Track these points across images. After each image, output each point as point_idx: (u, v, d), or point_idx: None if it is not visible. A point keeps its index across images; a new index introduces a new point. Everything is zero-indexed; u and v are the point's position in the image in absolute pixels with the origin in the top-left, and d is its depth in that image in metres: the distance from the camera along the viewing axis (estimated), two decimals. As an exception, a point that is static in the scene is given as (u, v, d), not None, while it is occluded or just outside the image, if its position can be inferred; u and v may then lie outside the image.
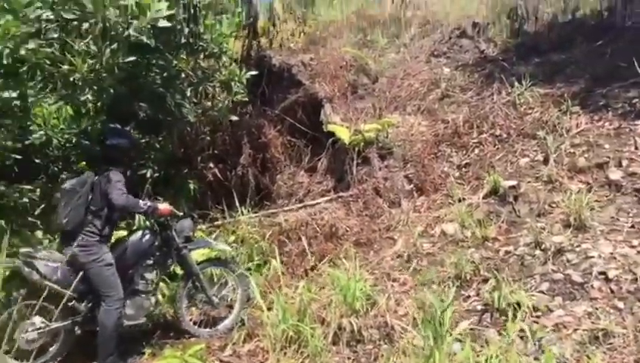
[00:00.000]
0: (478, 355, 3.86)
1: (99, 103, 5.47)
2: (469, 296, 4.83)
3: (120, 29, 4.40)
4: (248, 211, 6.43)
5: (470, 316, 4.51)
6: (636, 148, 5.65)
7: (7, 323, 3.85)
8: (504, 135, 6.81)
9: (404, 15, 10.79)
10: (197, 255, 5.31)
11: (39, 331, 4.38)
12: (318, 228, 6.26)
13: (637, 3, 7.94)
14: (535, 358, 3.80)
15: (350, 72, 8.86)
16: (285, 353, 4.37)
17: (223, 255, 5.53)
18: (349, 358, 4.33)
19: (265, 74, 7.94)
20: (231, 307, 5.27)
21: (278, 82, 8.21)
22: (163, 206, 4.88)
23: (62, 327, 4.50)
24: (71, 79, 4.58)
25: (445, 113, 7.72)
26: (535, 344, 3.98)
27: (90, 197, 4.55)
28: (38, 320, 4.37)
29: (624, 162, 5.52)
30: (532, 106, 6.97)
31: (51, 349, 4.49)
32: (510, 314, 4.28)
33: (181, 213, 5.41)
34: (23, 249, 4.48)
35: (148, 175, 6.28)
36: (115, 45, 4.52)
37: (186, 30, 5.66)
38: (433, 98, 8.22)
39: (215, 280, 5.43)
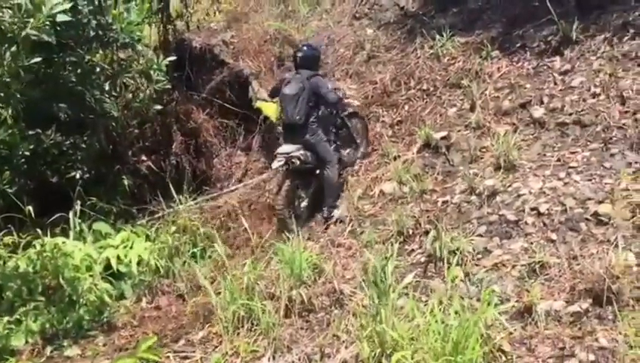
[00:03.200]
0: (425, 305, 3.93)
1: (12, 111, 5.22)
2: (412, 250, 4.92)
3: (17, 30, 4.17)
4: (186, 199, 6.32)
5: (414, 269, 4.60)
6: (555, 84, 5.81)
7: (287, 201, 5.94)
8: (431, 88, 6.89)
9: (323, -19, 10.68)
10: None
11: (307, 199, 6.26)
12: (259, 206, 6.24)
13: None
14: (478, 299, 3.90)
15: (275, 46, 8.76)
16: (238, 333, 4.36)
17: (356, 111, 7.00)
18: (302, 328, 4.35)
19: (187, 58, 7.76)
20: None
21: (201, 65, 8.02)
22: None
23: (312, 192, 6.26)
24: (-27, 88, 4.35)
25: (373, 74, 7.73)
26: (477, 285, 4.09)
27: (308, 97, 5.99)
28: (302, 192, 6.24)
29: (545, 99, 5.67)
30: (455, 56, 7.05)
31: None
32: (452, 261, 4.38)
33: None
34: (279, 150, 6.07)
35: (78, 176, 6.09)
36: (15, 48, 4.29)
37: (93, 23, 5.44)
38: (360, 61, 8.20)
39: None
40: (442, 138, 5.99)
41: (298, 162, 5.97)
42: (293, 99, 5.96)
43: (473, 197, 5.09)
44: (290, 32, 9.06)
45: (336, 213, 5.98)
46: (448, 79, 6.80)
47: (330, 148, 6.24)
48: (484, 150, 5.60)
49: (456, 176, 5.54)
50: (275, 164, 6.06)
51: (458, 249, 4.45)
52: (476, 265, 4.37)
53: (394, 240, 4.93)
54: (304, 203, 6.24)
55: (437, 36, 7.29)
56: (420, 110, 6.71)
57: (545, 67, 6.04)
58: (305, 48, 6.45)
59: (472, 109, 6.13)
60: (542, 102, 5.67)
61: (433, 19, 8.15)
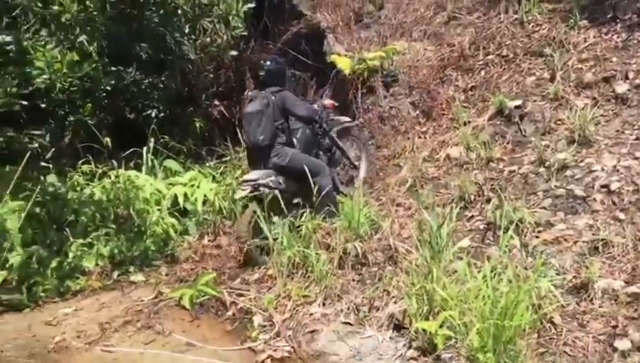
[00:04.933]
0: (479, 271, 3.92)
1: (97, 46, 5.46)
2: (472, 216, 4.88)
3: (106, -35, 4.33)
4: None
5: (472, 235, 4.57)
6: (644, 59, 5.50)
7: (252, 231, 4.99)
8: (511, 55, 6.64)
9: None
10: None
11: (281, 227, 5.06)
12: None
13: None
14: (534, 270, 3.84)
15: (355, 1, 8.66)
16: (292, 278, 4.51)
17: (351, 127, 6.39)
18: (353, 280, 4.44)
19: (266, 7, 7.79)
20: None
21: (279, 15, 8.04)
22: (329, 102, 6.14)
23: (289, 220, 5.10)
24: (62, 19, 4.55)
25: (452, 37, 7.51)
26: (534, 257, 4.02)
27: (273, 115, 5.26)
28: (277, 219, 5.13)
29: (630, 75, 5.38)
30: (540, 23, 6.75)
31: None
32: (512, 231, 4.32)
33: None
34: (244, 178, 5.25)
35: (153, 115, 6.35)
36: (102, -18, 4.46)
37: (180, -36, 5.56)
38: (440, 22, 7.99)
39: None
40: (517, 107, 5.81)
41: (267, 191, 5.11)
42: (255, 117, 5.21)
43: (542, 169, 4.96)
44: (371, -14, 8.91)
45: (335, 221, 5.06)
46: (530, 47, 6.54)
47: (313, 158, 5.54)
48: (559, 122, 5.40)
49: (526, 147, 5.40)
50: (239, 193, 5.31)
51: (519, 220, 4.38)
52: (537, 237, 4.29)
53: (455, 205, 4.90)
54: (278, 230, 5.07)
55: (523, 1, 6.99)
56: (496, 77, 6.50)
57: (635, 41, 5.70)
58: (268, 62, 5.61)
59: (552, 79, 5.90)
60: (627, 77, 5.38)
61: (520, -18, 7.81)
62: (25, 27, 4.46)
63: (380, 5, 8.78)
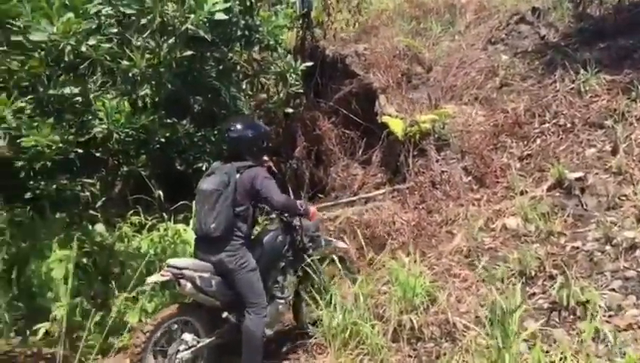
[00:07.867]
0: (548, 356, 3.69)
1: (156, 98, 5.51)
2: (534, 294, 4.64)
3: (178, 24, 4.39)
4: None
5: (537, 315, 4.34)
6: None
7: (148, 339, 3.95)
8: (569, 125, 6.50)
9: (459, 1, 10.52)
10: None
11: (193, 349, 4.14)
12: (374, 222, 6.15)
13: None
14: (609, 360, 3.60)
15: (404, 62, 8.68)
16: (344, 350, 4.31)
17: (342, 254, 5.18)
18: (409, 356, 4.24)
19: (319, 65, 7.85)
20: None
21: (331, 73, 8.10)
22: (313, 209, 4.74)
23: (210, 343, 4.25)
24: (130, 74, 4.61)
25: (505, 103, 7.42)
26: (608, 345, 3.77)
27: (234, 197, 4.13)
28: (189, 337, 4.15)
29: (701, 153, 5.20)
30: (599, 93, 6.63)
31: None
32: (579, 313, 4.10)
33: None
34: (170, 261, 4.21)
35: (204, 168, 6.30)
36: (172, 40, 4.51)
37: (242, 23, 5.64)
38: (491, 87, 7.92)
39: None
40: (577, 179, 5.62)
41: (189, 287, 4.06)
42: (209, 198, 4.09)
43: (608, 248, 4.73)
44: (420, 49, 8.95)
45: None
46: (588, 118, 6.40)
47: (259, 283, 4.25)
48: (624, 198, 5.20)
49: (589, 222, 5.18)
50: (152, 278, 4.23)
51: (587, 302, 4.15)
52: (607, 322, 4.04)
53: (515, 280, 4.69)
54: (184, 354, 4.12)
55: (581, 70, 6.89)
56: (553, 146, 6.35)
57: None
58: (238, 125, 4.43)
59: (614, 152, 5.72)
60: (696, 155, 5.20)
61: (576, 52, 7.71)
62: (91, 79, 4.52)
63: (429, 67, 8.80)
